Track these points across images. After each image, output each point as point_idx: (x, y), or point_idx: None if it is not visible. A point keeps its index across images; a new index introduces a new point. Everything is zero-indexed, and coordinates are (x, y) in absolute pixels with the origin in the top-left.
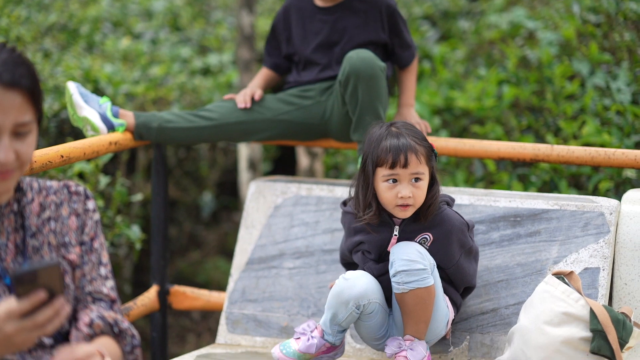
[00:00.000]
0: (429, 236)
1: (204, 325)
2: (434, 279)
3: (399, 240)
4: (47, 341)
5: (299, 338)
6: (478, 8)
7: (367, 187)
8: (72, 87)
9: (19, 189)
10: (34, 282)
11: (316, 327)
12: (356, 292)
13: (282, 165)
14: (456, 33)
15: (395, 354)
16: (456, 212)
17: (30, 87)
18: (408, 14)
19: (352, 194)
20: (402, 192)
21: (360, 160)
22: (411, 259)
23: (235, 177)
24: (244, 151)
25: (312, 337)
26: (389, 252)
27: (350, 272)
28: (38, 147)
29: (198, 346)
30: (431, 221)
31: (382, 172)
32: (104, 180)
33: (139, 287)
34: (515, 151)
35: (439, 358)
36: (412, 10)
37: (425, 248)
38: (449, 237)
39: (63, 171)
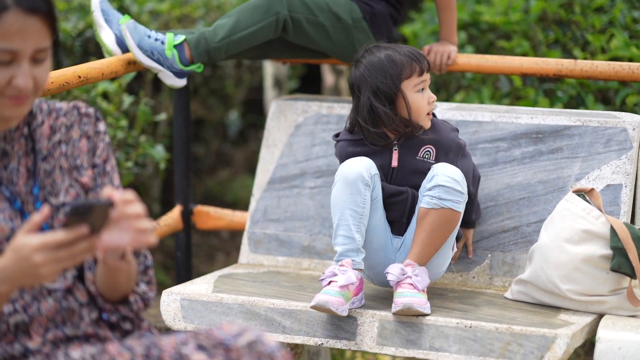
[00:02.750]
0: (431, 149)
1: (232, 244)
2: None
3: (399, 155)
4: (69, 275)
5: (330, 282)
6: None
7: (402, 106)
8: (95, 3)
9: (29, 112)
10: (85, 216)
11: (339, 265)
12: (362, 164)
13: (309, 83)
14: None
15: (400, 281)
16: (443, 121)
17: (48, 11)
18: None
19: (362, 122)
20: (432, 97)
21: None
22: (455, 179)
23: (261, 95)
24: (270, 69)
25: (343, 271)
26: (393, 170)
27: (343, 164)
28: (63, 66)
29: (227, 265)
30: (426, 132)
31: (412, 83)
32: (127, 99)
33: (168, 206)
34: (538, 66)
35: (461, 277)
36: None
37: (429, 161)
38: (449, 146)
39: (86, 91)
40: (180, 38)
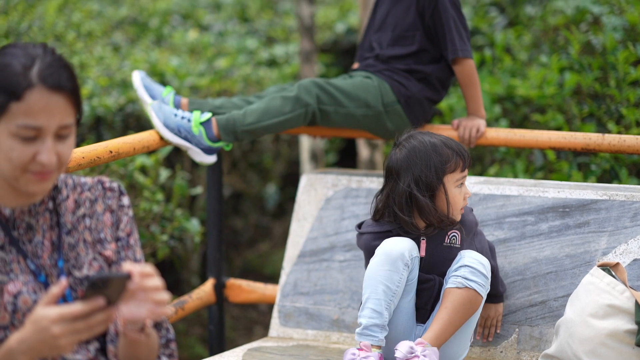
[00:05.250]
0: (457, 234)
1: (270, 317)
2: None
3: (427, 244)
4: (91, 347)
5: None
6: None
7: (441, 199)
8: (137, 81)
9: (54, 187)
10: (102, 289)
11: (358, 349)
12: (406, 244)
13: (347, 156)
14: (523, 19)
15: (407, 359)
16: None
17: (73, 89)
18: (476, 0)
19: (397, 209)
20: (468, 192)
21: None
22: (482, 263)
23: (299, 169)
24: (306, 143)
25: (364, 357)
26: (421, 259)
27: (387, 240)
28: (104, 139)
29: None
30: None
31: (454, 178)
32: (164, 173)
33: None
34: (567, 140)
35: (488, 351)
36: None
37: (456, 246)
38: (471, 227)
39: (124, 165)
40: (207, 115)
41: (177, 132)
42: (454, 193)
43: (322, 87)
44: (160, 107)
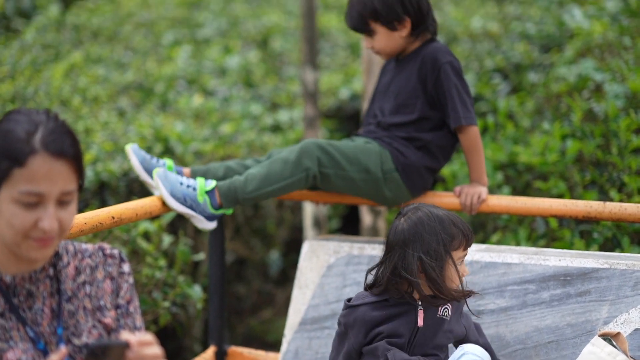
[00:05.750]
0: (449, 307)
1: None
2: None
3: (424, 314)
4: None
5: None
6: (549, 60)
7: (451, 272)
8: (135, 163)
9: (54, 253)
10: (101, 357)
11: None
12: None
13: (350, 222)
14: (526, 86)
15: None
16: None
17: (75, 156)
18: (480, 67)
19: (408, 275)
20: (467, 270)
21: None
22: (484, 359)
23: (302, 235)
24: (309, 209)
25: None
26: (418, 329)
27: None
28: (108, 205)
29: None
30: None
31: (457, 255)
32: (167, 239)
33: None
34: (568, 208)
35: None
36: (484, 63)
37: (447, 318)
38: (461, 304)
39: (127, 231)
40: (211, 184)
41: (183, 201)
42: (454, 270)
43: (324, 148)
44: (166, 175)
